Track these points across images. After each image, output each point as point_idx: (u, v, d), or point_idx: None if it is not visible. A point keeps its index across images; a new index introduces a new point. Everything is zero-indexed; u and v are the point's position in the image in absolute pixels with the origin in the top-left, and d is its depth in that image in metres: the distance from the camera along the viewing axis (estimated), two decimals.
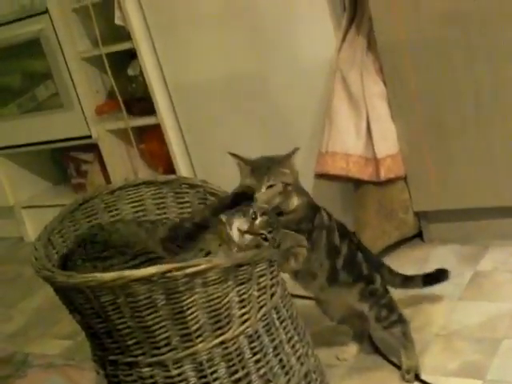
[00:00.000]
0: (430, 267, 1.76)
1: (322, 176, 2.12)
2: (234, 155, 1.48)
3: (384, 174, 2.03)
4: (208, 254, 1.35)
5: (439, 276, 1.70)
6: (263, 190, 1.44)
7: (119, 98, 2.63)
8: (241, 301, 1.28)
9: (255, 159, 1.48)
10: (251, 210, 1.36)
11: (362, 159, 2.04)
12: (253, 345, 1.30)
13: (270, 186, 1.44)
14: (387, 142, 2.03)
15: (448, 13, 1.84)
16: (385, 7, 1.91)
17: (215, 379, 1.28)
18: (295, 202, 1.49)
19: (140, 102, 2.64)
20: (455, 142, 1.97)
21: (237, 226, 1.34)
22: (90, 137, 2.78)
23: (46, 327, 2.31)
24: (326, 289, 1.55)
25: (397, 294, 1.68)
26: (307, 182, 2.25)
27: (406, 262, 2.00)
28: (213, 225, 1.39)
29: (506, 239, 1.97)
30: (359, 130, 2.04)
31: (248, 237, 1.34)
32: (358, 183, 2.11)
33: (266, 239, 1.33)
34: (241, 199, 1.40)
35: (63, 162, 3.15)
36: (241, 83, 2.32)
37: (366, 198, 2.10)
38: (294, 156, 1.46)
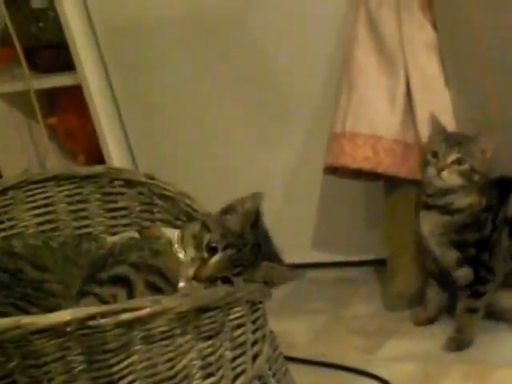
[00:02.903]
0: None
1: (334, 171, 2.12)
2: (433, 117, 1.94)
3: None
4: None
5: None
6: (448, 161, 1.86)
7: (17, 44, 2.62)
8: (206, 365, 1.29)
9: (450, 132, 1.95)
10: (205, 240, 1.43)
11: (399, 145, 2.05)
12: None
13: (458, 163, 1.86)
14: (439, 118, 2.04)
15: None
16: None
17: None
18: (469, 199, 1.90)
19: (50, 50, 2.64)
20: None
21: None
22: None
23: None
24: None
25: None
26: (313, 181, 2.26)
27: None
28: None
29: None
30: (394, 99, 2.06)
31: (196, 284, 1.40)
32: (391, 183, 2.13)
33: (228, 280, 1.40)
34: None
35: None
36: (212, 26, 2.33)
37: (404, 208, 2.12)
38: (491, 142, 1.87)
